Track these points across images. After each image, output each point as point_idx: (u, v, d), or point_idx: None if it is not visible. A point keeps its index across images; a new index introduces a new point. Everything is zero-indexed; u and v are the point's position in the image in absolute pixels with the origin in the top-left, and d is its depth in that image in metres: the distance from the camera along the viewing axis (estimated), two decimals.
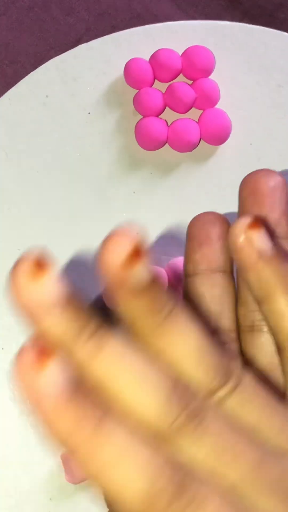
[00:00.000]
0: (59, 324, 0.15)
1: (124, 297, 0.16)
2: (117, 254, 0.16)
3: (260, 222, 0.18)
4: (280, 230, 0.20)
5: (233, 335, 0.20)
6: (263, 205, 0.20)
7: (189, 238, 0.21)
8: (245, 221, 0.18)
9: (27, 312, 0.15)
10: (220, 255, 0.21)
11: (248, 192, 0.20)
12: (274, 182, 0.20)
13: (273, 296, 0.18)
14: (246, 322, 0.20)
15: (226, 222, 0.21)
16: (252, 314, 0.20)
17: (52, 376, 0.14)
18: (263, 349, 0.20)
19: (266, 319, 0.19)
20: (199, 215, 0.21)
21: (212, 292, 0.20)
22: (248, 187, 0.20)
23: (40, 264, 0.15)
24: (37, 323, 0.15)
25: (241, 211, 0.21)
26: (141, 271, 0.16)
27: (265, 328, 0.20)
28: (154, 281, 0.16)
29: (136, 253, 0.16)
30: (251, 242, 0.18)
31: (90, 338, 0.15)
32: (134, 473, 0.14)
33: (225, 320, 0.20)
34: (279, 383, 0.19)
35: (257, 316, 0.20)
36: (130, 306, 0.16)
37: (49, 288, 0.15)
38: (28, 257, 0.15)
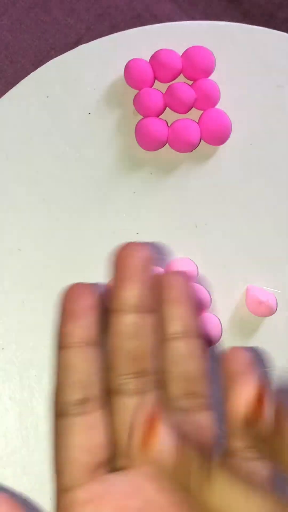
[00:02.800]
0: (177, 466, 0.20)
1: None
2: (244, 401, 0.20)
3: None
4: (143, 303, 0.23)
5: (99, 402, 0.22)
6: (131, 281, 0.23)
7: (61, 312, 0.23)
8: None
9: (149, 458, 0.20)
10: (89, 328, 0.23)
11: (118, 266, 0.23)
12: (140, 259, 0.23)
13: None
14: (114, 385, 0.23)
15: (95, 292, 0.23)
16: (119, 378, 0.22)
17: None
18: (125, 411, 0.22)
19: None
20: (70, 288, 0.23)
21: (82, 364, 0.22)
22: (119, 261, 0.24)
23: (152, 423, 0.20)
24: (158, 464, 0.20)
25: (114, 283, 0.23)
26: (267, 414, 0.19)
27: (130, 390, 0.22)
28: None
29: (261, 398, 0.20)
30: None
31: (201, 470, 0.19)
32: None
33: (93, 389, 0.22)
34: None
35: (123, 380, 0.22)
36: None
37: (162, 446, 0.20)
38: (139, 422, 0.20)
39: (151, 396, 0.22)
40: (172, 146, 0.35)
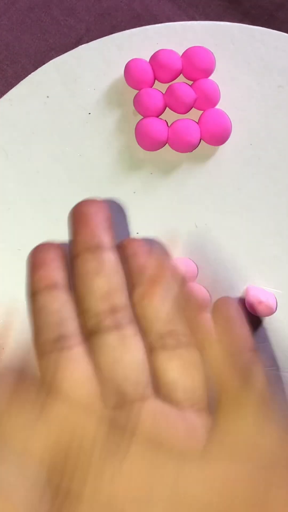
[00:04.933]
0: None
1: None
2: None
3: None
4: (104, 243, 0.24)
5: (78, 339, 0.22)
6: (89, 225, 0.25)
7: (29, 266, 0.24)
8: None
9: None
10: (57, 273, 0.24)
11: (74, 217, 0.25)
12: (96, 207, 0.25)
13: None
14: (90, 325, 0.23)
15: (59, 246, 0.25)
16: (93, 318, 0.23)
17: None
18: (105, 348, 0.22)
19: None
20: (36, 246, 0.25)
21: (55, 305, 0.23)
22: (75, 214, 0.26)
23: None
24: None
25: (72, 232, 0.25)
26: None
27: (106, 327, 0.22)
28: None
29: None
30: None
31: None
32: None
33: (69, 327, 0.22)
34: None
35: (98, 318, 0.22)
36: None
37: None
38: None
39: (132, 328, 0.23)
40: (172, 146, 0.35)
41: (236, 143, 0.35)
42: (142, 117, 0.35)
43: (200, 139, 0.35)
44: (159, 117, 0.35)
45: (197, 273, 0.34)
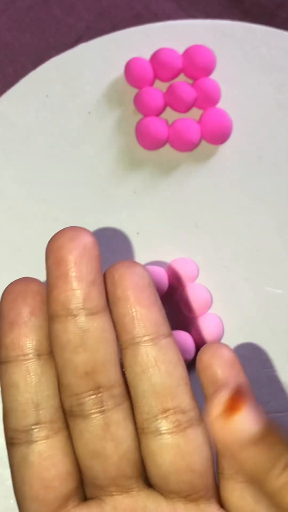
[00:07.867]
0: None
1: (235, 449, 0.17)
2: (217, 408, 0.16)
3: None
4: (89, 304, 0.19)
5: (57, 424, 0.19)
6: (70, 278, 0.19)
7: (0, 318, 0.19)
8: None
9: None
10: (33, 337, 0.19)
11: (52, 262, 0.19)
12: (79, 248, 0.19)
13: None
14: (67, 406, 0.19)
15: (39, 290, 0.20)
16: (72, 399, 0.19)
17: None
18: (84, 436, 0.19)
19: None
20: (9, 287, 0.20)
21: (30, 381, 0.19)
22: (52, 255, 0.19)
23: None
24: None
25: (49, 283, 0.19)
26: (245, 422, 0.16)
27: (86, 412, 0.19)
28: (267, 427, 0.16)
29: (235, 402, 0.16)
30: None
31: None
32: None
33: (46, 409, 0.19)
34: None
35: (77, 400, 0.19)
36: (244, 456, 0.17)
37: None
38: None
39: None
40: (172, 146, 0.35)
41: (237, 142, 0.35)
42: (142, 116, 0.35)
43: (201, 138, 0.35)
44: (160, 116, 0.35)
45: (198, 273, 0.34)
